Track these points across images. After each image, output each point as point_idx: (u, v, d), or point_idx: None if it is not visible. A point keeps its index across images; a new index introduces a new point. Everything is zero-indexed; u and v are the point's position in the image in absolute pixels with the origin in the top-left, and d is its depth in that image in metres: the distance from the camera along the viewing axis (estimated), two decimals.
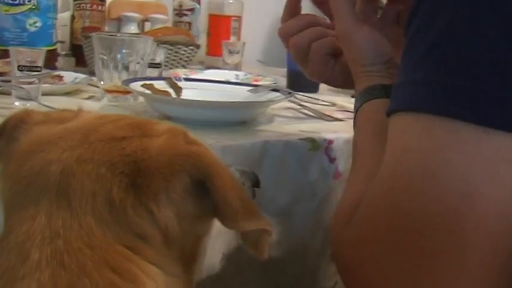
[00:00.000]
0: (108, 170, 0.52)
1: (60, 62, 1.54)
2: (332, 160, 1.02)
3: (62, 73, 1.29)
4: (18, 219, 0.51)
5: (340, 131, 1.06)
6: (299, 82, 1.47)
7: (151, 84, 1.10)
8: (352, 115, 1.19)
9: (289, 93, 1.11)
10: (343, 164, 1.03)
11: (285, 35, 0.87)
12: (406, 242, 0.54)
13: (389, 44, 0.80)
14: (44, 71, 1.12)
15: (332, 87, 1.57)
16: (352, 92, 1.45)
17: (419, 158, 0.53)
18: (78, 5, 1.64)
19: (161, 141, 0.54)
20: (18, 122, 0.60)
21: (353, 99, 1.40)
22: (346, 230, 0.61)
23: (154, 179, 0.52)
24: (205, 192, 0.53)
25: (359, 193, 0.63)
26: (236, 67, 1.67)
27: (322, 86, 1.54)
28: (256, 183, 0.77)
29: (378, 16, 0.88)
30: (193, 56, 1.64)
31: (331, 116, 1.16)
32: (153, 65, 1.28)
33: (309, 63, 0.88)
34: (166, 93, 1.10)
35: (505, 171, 0.50)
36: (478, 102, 0.50)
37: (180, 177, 0.53)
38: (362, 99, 0.77)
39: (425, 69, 0.54)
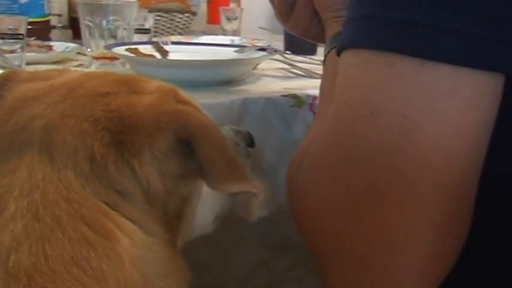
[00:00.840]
0: (91, 125, 0.51)
1: (57, 34, 1.54)
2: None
3: (52, 43, 1.29)
4: (0, 173, 0.51)
5: None
6: (296, 45, 1.45)
7: (136, 49, 1.09)
8: None
9: (275, 51, 1.09)
10: None
11: None
12: (351, 184, 0.52)
13: None
14: (33, 42, 1.12)
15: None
16: None
17: (360, 95, 0.52)
18: None
19: (149, 99, 0.53)
20: (4, 81, 0.59)
21: None
22: (297, 174, 0.59)
23: (138, 135, 0.51)
24: (191, 152, 0.53)
25: (312, 137, 0.61)
26: (235, 33, 1.65)
27: (320, 49, 1.52)
28: (250, 143, 0.76)
29: None
30: (189, 23, 1.63)
31: (321, 74, 1.14)
32: (142, 31, 1.26)
33: (292, 17, 0.87)
34: (151, 57, 1.09)
35: (445, 104, 0.48)
36: (413, 34, 0.48)
37: (164, 135, 0.52)
38: (330, 45, 0.76)
39: (364, 5, 0.53)
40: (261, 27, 1.96)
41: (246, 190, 0.53)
